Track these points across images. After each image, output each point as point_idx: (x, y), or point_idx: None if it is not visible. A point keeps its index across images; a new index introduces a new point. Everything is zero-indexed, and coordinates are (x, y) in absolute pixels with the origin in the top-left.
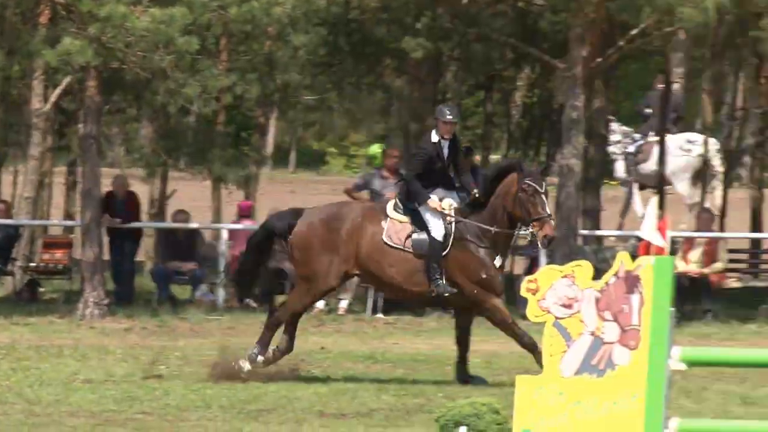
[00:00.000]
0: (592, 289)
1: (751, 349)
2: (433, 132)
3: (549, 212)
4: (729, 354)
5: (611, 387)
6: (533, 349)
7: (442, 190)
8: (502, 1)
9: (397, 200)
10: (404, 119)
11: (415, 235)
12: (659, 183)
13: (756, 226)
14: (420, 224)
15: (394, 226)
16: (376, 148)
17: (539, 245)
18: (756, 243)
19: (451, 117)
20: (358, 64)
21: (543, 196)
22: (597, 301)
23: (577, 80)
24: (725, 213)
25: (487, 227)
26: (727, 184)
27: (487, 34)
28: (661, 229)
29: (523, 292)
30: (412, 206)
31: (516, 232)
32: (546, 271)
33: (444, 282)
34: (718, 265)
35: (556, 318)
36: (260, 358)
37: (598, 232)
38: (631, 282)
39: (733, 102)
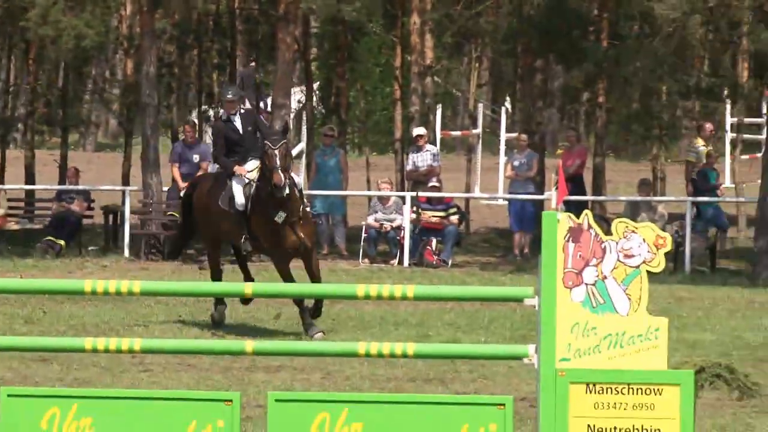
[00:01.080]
0: None
1: (33, 279)
2: (221, 111)
3: (276, 165)
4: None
5: None
6: (298, 303)
7: (251, 157)
8: None
9: None
10: None
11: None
12: None
13: (29, 179)
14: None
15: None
16: None
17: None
18: (30, 193)
19: (231, 95)
20: None
21: (274, 152)
22: None
23: None
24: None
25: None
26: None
27: None
28: None
29: None
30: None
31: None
32: None
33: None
34: (0, 212)
35: None
36: None
37: None
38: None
39: (7, 78)
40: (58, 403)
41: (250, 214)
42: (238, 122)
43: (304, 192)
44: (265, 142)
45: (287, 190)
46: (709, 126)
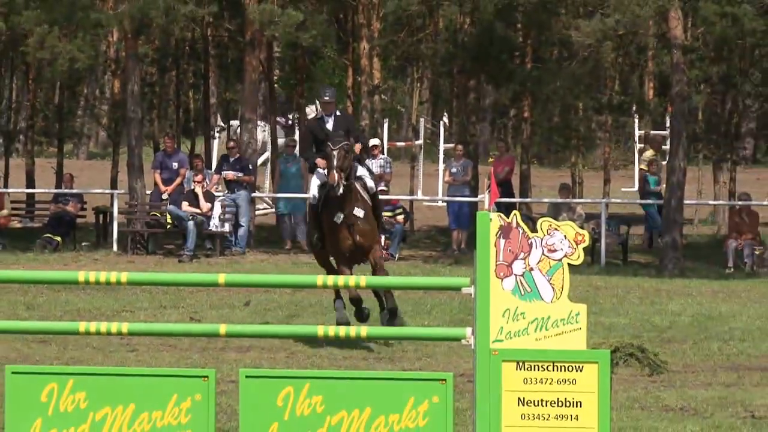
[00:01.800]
0: None
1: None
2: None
3: (333, 164)
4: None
5: None
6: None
7: None
8: None
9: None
10: None
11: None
12: None
13: (30, 183)
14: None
15: None
16: None
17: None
18: (30, 196)
19: (327, 97)
20: None
21: (333, 152)
22: None
23: None
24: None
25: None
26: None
27: None
28: None
29: None
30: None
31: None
32: None
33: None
34: (5, 212)
35: None
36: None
37: None
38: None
39: (9, 96)
40: (56, 379)
41: (321, 211)
42: (330, 123)
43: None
44: (327, 142)
45: (341, 189)
46: (659, 137)
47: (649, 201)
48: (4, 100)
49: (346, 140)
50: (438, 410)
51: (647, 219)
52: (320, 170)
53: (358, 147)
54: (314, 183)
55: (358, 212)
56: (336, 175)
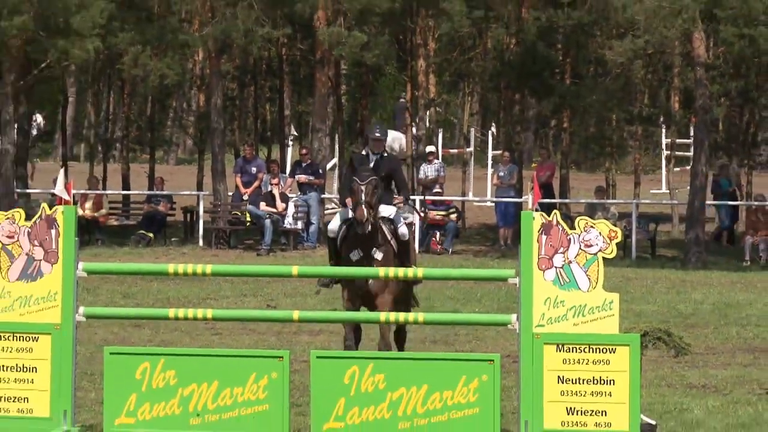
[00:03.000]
0: (26, 227)
1: (129, 263)
2: (366, 149)
3: (363, 199)
4: (117, 265)
5: (40, 287)
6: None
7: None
8: None
9: None
10: None
11: None
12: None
13: (125, 186)
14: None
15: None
16: None
17: None
18: (126, 197)
19: (378, 134)
20: None
21: (361, 186)
22: (29, 233)
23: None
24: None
25: None
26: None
27: None
28: (68, 189)
29: None
30: None
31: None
32: None
33: None
34: (103, 211)
35: (3, 244)
36: None
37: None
38: (51, 221)
39: (107, 108)
40: (149, 359)
41: (340, 246)
42: (373, 162)
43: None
44: (353, 177)
45: (368, 228)
46: None
47: (675, 201)
48: (102, 112)
49: (372, 175)
50: (487, 387)
51: (719, 217)
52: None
53: (399, 200)
54: (337, 217)
55: (378, 255)
56: (365, 211)
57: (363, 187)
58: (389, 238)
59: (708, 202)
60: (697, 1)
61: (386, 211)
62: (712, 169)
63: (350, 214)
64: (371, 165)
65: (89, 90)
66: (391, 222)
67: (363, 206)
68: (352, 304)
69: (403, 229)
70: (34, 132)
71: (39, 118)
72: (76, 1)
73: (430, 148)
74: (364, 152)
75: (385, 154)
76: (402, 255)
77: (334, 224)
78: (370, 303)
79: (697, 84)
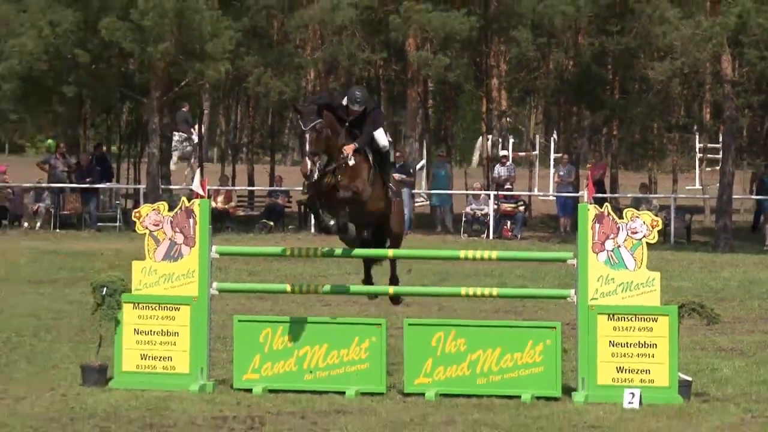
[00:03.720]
0: (169, 216)
1: (254, 247)
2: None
3: (308, 149)
4: (244, 248)
5: (180, 266)
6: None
7: None
8: None
9: None
10: None
11: None
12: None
13: (251, 182)
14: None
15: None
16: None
17: None
18: (251, 192)
19: (358, 108)
20: None
21: (306, 135)
22: (171, 222)
23: None
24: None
25: None
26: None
27: None
28: (203, 186)
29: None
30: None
31: None
32: (144, 207)
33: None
34: (233, 204)
35: (150, 231)
36: None
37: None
38: (189, 212)
39: (235, 119)
40: (270, 325)
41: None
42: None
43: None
44: (299, 120)
45: (314, 177)
46: None
47: (707, 196)
48: (231, 122)
49: (320, 119)
50: (550, 350)
51: (761, 211)
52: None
53: (350, 148)
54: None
55: (350, 159)
56: (309, 162)
57: (307, 135)
58: (367, 163)
59: (748, 196)
60: (724, 28)
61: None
62: (738, 169)
63: None
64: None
65: (221, 104)
66: (373, 141)
67: (307, 158)
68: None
69: (383, 141)
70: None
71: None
72: (209, 30)
73: (503, 152)
74: (344, 102)
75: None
76: (382, 167)
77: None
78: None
79: (725, 98)
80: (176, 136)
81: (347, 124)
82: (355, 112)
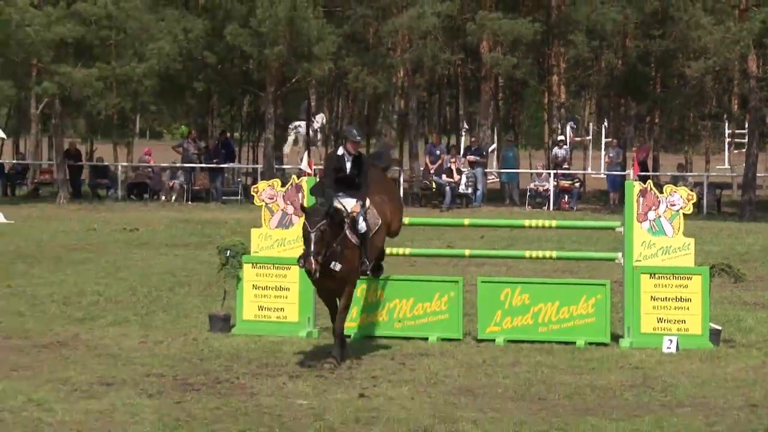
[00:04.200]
0: (281, 191)
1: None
2: (341, 147)
3: (312, 250)
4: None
5: (291, 233)
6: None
7: (343, 194)
8: None
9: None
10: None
11: None
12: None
13: None
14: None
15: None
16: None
17: None
18: None
19: (358, 138)
20: None
21: (311, 235)
22: (284, 196)
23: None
24: None
25: None
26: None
27: None
28: (310, 165)
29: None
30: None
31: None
32: (261, 184)
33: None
34: None
35: (266, 203)
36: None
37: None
38: (298, 187)
39: (337, 110)
40: (365, 283)
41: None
42: (349, 163)
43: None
44: (306, 222)
45: (317, 275)
46: None
47: (735, 174)
48: (333, 112)
49: (324, 219)
50: (601, 303)
51: None
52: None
53: (356, 207)
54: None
55: (336, 267)
56: (313, 263)
57: (312, 236)
58: (353, 240)
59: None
60: (750, 32)
61: (349, 205)
62: (761, 151)
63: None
64: (348, 165)
65: (324, 97)
66: (355, 223)
67: (312, 258)
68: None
69: (361, 225)
70: (317, 126)
71: (322, 118)
72: (315, 35)
73: (561, 137)
74: (339, 152)
75: (357, 155)
76: (363, 243)
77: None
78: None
79: (751, 91)
80: (293, 124)
81: (347, 172)
82: (356, 145)
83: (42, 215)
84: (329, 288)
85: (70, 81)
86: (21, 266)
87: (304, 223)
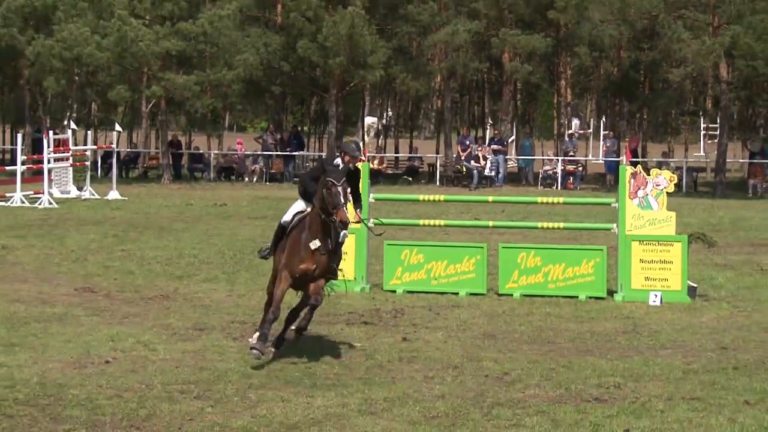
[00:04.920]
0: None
1: (399, 194)
2: (338, 159)
3: (342, 201)
4: (390, 195)
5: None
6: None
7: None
8: None
9: None
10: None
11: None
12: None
13: (396, 151)
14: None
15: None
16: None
17: (339, 229)
18: (397, 157)
19: (357, 153)
20: None
21: (339, 188)
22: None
23: None
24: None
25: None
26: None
27: None
28: (364, 153)
29: None
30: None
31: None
32: None
33: (266, 249)
34: (384, 165)
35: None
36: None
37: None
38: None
39: (386, 108)
40: (408, 248)
41: (289, 232)
42: (340, 174)
43: None
44: (329, 178)
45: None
46: None
47: (709, 160)
48: (384, 110)
49: (344, 179)
50: (599, 265)
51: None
52: (301, 203)
53: (353, 215)
54: (295, 208)
55: (329, 246)
56: (347, 214)
57: (340, 189)
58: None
59: (737, 160)
60: (722, 45)
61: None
62: (730, 141)
63: (303, 207)
64: (338, 177)
65: (377, 98)
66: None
67: (344, 209)
68: (287, 286)
69: (343, 236)
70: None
71: (370, 120)
72: (369, 48)
73: (570, 131)
74: (336, 162)
75: (350, 168)
76: (334, 253)
77: (290, 215)
78: (306, 283)
79: (722, 93)
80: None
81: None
82: (354, 160)
83: (149, 193)
84: (304, 270)
85: (173, 85)
86: (132, 234)
87: (317, 172)
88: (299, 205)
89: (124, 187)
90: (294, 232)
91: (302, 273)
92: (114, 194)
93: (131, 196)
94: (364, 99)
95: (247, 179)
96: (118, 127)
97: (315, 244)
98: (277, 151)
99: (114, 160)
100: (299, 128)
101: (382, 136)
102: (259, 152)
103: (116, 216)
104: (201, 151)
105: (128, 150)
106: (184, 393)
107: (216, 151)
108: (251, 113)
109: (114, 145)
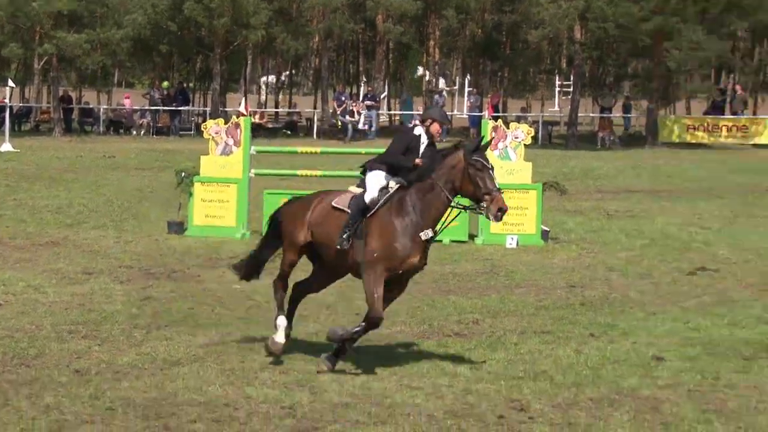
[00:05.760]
0: (224, 127)
1: (278, 147)
2: (418, 127)
3: (498, 186)
4: (269, 148)
5: (231, 159)
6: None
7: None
8: None
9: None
10: None
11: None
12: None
13: (276, 105)
14: (363, 186)
15: (348, 194)
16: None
17: (492, 218)
18: (277, 112)
19: (444, 120)
20: None
21: (491, 171)
22: (225, 131)
23: None
24: None
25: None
26: None
27: None
28: (246, 108)
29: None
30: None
31: (451, 206)
32: (209, 122)
33: (346, 237)
34: (264, 119)
35: (212, 136)
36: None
37: None
38: (237, 125)
39: None
40: (287, 197)
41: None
42: (422, 148)
43: None
44: (476, 157)
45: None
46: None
47: (630, 115)
48: (266, 68)
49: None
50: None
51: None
52: (381, 176)
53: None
54: (376, 182)
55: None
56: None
57: (493, 171)
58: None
59: (588, 114)
60: (576, 9)
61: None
62: (582, 97)
63: (385, 181)
64: (422, 148)
65: (258, 57)
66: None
67: (502, 195)
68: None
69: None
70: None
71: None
72: (252, 9)
73: (440, 86)
74: (416, 132)
75: (432, 144)
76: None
77: (374, 192)
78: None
79: (575, 53)
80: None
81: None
82: (439, 132)
83: (41, 146)
84: (412, 265)
85: (64, 43)
86: (24, 184)
87: (401, 145)
88: (379, 179)
89: (17, 140)
90: (382, 213)
91: (408, 268)
92: (7, 147)
93: (23, 149)
94: (247, 58)
95: (135, 133)
96: (11, 83)
97: (428, 233)
98: (163, 105)
99: (7, 114)
100: (185, 85)
101: (264, 93)
102: (146, 107)
103: (8, 167)
104: (91, 106)
105: (21, 105)
106: (72, 333)
107: (105, 106)
108: (139, 70)
109: (7, 100)
